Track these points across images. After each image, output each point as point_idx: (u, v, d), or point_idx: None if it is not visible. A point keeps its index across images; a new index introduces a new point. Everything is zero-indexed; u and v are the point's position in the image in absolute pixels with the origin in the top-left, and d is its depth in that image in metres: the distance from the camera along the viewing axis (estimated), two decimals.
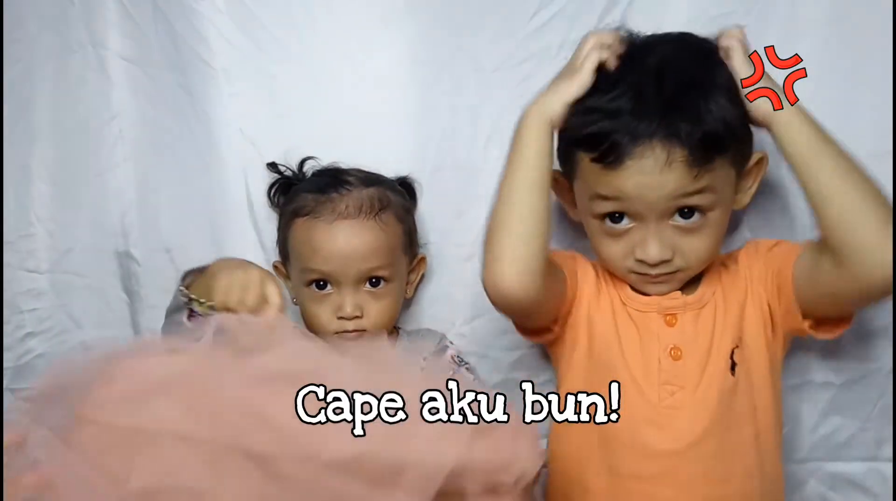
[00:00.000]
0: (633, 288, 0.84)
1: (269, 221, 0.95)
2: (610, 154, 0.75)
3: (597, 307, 0.84)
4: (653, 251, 0.77)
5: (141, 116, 0.98)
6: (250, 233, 0.96)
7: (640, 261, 0.79)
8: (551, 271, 0.79)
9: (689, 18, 0.90)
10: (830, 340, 0.81)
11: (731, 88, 0.76)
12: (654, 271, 0.79)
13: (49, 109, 0.99)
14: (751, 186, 0.83)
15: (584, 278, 0.85)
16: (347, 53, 0.94)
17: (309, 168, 0.94)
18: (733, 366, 0.80)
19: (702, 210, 0.77)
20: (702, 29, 0.86)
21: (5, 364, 1.00)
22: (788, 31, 0.88)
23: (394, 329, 0.93)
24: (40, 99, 0.98)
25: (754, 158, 0.81)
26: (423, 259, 0.94)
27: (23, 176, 0.99)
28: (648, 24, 0.90)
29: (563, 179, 0.85)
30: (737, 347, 0.80)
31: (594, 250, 0.84)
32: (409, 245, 0.91)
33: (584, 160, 0.78)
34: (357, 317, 0.86)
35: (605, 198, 0.78)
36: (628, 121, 0.74)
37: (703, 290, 0.83)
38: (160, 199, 0.99)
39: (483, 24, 0.94)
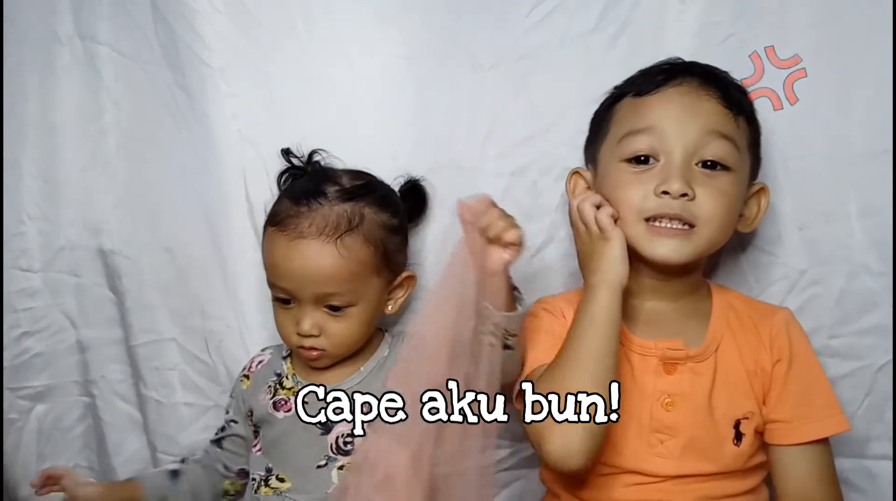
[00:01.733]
0: (630, 332, 0.81)
1: None
2: (652, 81, 0.81)
3: None
4: (676, 184, 0.76)
5: (135, 112, 0.97)
6: (249, 232, 0.94)
7: (664, 193, 0.77)
8: None
9: (686, 25, 0.91)
10: None
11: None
12: (672, 210, 0.77)
13: (38, 103, 0.97)
14: (756, 213, 0.84)
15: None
16: (345, 52, 0.93)
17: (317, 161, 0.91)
18: (739, 436, 0.79)
19: (723, 166, 0.78)
20: (697, 33, 0.89)
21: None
22: (778, 36, 0.88)
23: (379, 332, 0.91)
24: (30, 93, 0.96)
25: (756, 186, 0.84)
26: (410, 277, 0.89)
27: (13, 173, 0.97)
28: (648, 24, 0.90)
29: (585, 174, 0.86)
30: (746, 417, 0.79)
31: (611, 200, 0.80)
32: (386, 265, 0.85)
33: (625, 102, 0.83)
34: (314, 336, 0.83)
35: (638, 131, 0.80)
36: (672, 65, 0.83)
37: (707, 343, 0.81)
38: (156, 197, 0.97)
39: (480, 20, 0.93)
